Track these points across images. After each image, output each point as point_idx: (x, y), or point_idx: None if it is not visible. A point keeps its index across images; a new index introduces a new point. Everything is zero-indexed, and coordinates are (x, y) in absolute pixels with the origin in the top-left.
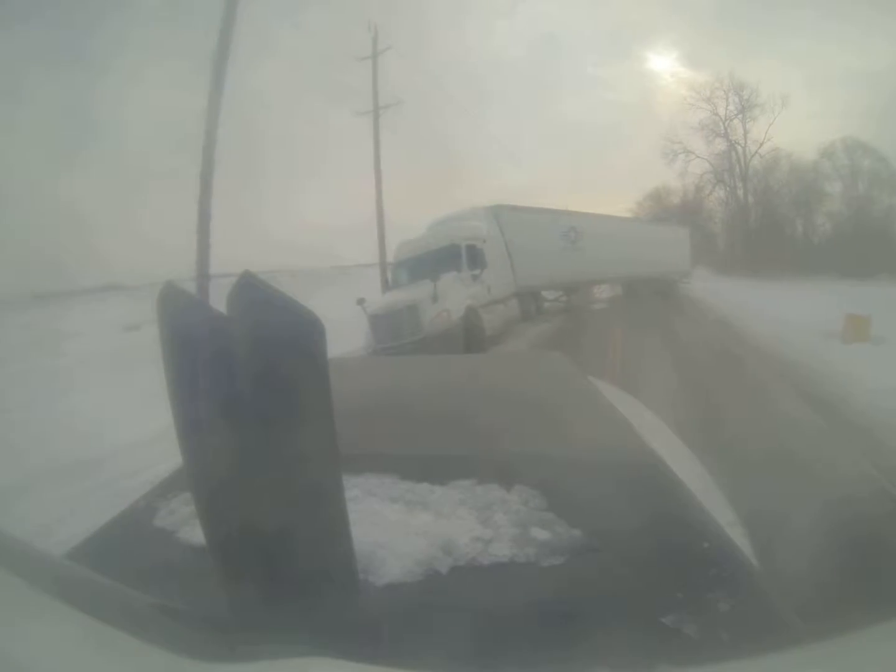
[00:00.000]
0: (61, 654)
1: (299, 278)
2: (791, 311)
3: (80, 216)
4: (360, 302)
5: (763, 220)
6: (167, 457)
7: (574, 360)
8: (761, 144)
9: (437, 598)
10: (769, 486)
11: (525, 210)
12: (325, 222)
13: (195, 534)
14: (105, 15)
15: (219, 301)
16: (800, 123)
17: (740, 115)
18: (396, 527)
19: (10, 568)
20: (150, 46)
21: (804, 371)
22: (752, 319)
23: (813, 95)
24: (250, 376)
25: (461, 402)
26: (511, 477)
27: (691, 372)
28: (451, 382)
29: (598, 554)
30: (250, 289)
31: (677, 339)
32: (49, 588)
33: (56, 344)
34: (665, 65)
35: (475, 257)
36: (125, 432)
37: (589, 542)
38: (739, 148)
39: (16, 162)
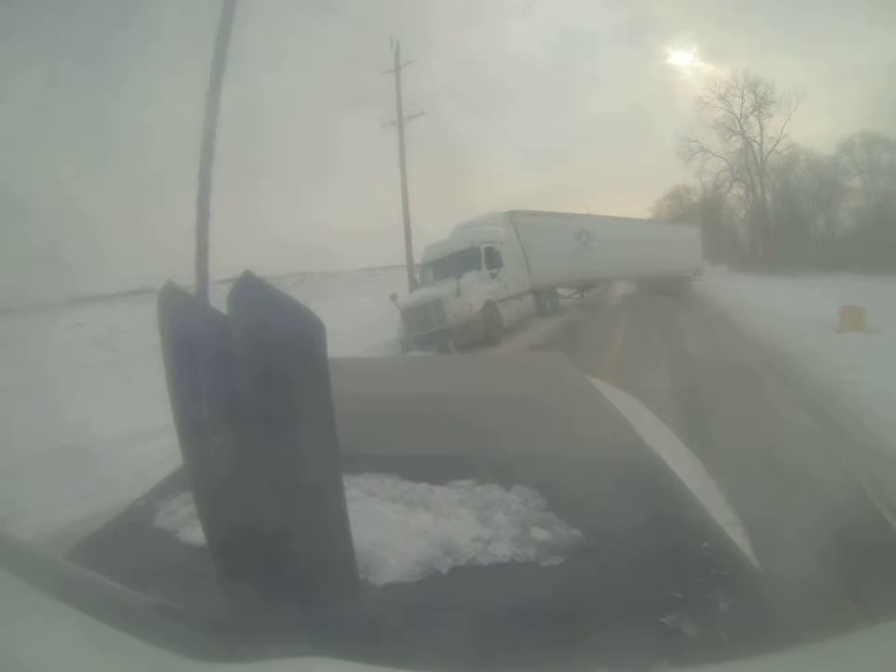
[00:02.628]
0: (61, 654)
1: (331, 280)
2: (798, 305)
3: (109, 223)
4: (393, 298)
5: (782, 217)
6: None
7: (581, 347)
8: (777, 141)
9: (437, 598)
10: (717, 425)
11: (539, 214)
12: (350, 226)
13: (195, 534)
14: (112, 20)
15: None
16: (818, 119)
17: (756, 112)
18: (396, 527)
19: (10, 568)
20: (159, 51)
21: (783, 353)
22: (756, 313)
23: (832, 89)
24: (250, 376)
25: (461, 402)
26: (511, 477)
27: (680, 358)
28: (451, 382)
29: (597, 554)
30: (250, 289)
31: (677, 330)
32: (49, 588)
33: (108, 341)
34: (685, 60)
35: (493, 258)
36: None
37: (589, 542)
38: (756, 145)
39: (31, 166)
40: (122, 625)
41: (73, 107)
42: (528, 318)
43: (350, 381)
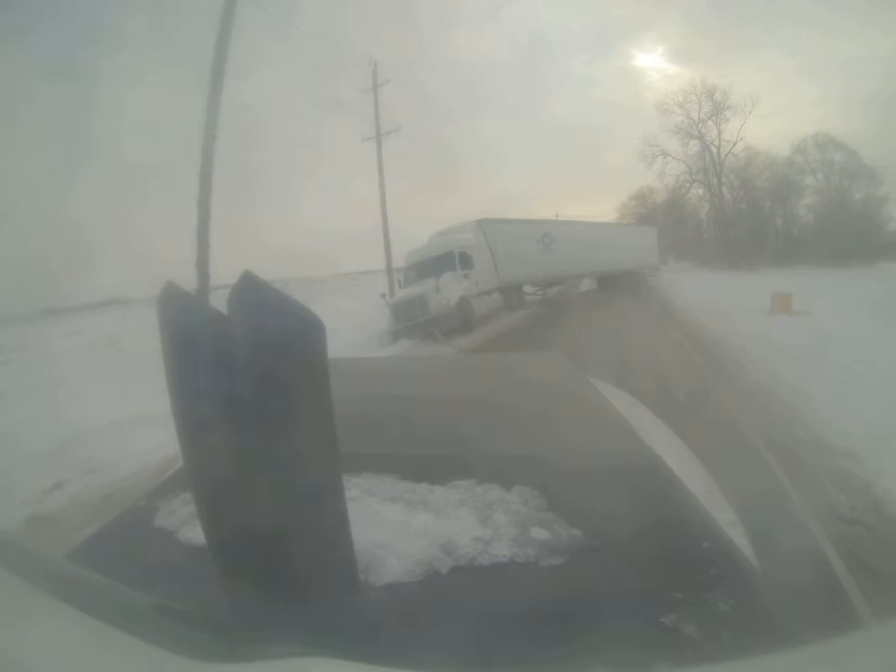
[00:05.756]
0: (61, 654)
1: (312, 285)
2: (744, 295)
3: (86, 233)
4: (383, 296)
5: (742, 215)
6: None
7: (540, 333)
8: (734, 144)
9: (437, 598)
10: (638, 372)
11: (505, 221)
12: (329, 232)
13: (195, 534)
14: (101, 29)
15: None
16: (773, 120)
17: (714, 118)
18: (396, 527)
19: (10, 568)
20: (148, 60)
21: (705, 330)
22: (701, 302)
23: (790, 91)
24: (250, 377)
25: (461, 402)
26: (511, 477)
27: (618, 337)
28: (451, 383)
29: (597, 554)
30: (250, 289)
31: (624, 318)
32: (49, 588)
33: (110, 345)
34: (652, 61)
35: (466, 261)
36: None
37: (589, 542)
38: (714, 148)
39: (18, 176)
40: (122, 625)
41: (58, 115)
42: (498, 311)
43: (350, 381)
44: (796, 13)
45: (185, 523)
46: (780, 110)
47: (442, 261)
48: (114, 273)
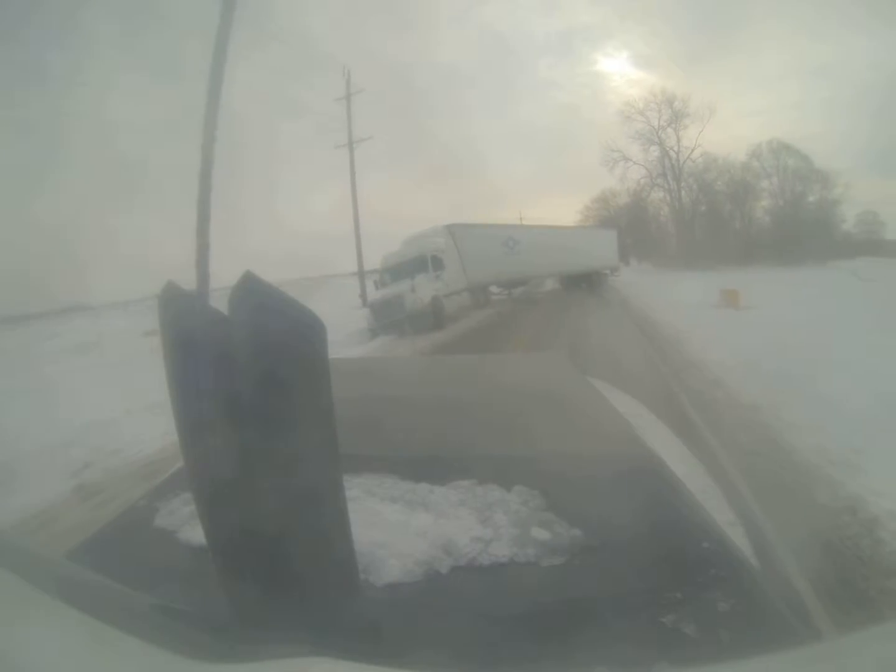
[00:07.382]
0: (61, 654)
1: (285, 288)
2: (697, 292)
3: (46, 240)
4: (361, 296)
5: (701, 217)
6: None
7: (505, 327)
8: (692, 150)
9: (437, 598)
10: (592, 349)
11: (472, 226)
12: (294, 235)
13: (195, 534)
14: (74, 34)
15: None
16: (731, 125)
17: (673, 125)
18: (396, 527)
19: (10, 568)
20: (145, 62)
21: (653, 321)
22: (655, 299)
23: (747, 96)
24: (251, 377)
25: (461, 402)
26: (511, 477)
27: (575, 329)
28: (451, 383)
29: (597, 554)
30: (251, 290)
31: (582, 312)
32: (49, 588)
33: (91, 348)
34: (616, 66)
35: (437, 263)
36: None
37: (589, 542)
38: (673, 154)
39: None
40: (123, 625)
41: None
42: (467, 310)
43: (350, 381)
44: (757, 22)
45: (185, 523)
46: (738, 116)
47: (415, 263)
48: (74, 279)
